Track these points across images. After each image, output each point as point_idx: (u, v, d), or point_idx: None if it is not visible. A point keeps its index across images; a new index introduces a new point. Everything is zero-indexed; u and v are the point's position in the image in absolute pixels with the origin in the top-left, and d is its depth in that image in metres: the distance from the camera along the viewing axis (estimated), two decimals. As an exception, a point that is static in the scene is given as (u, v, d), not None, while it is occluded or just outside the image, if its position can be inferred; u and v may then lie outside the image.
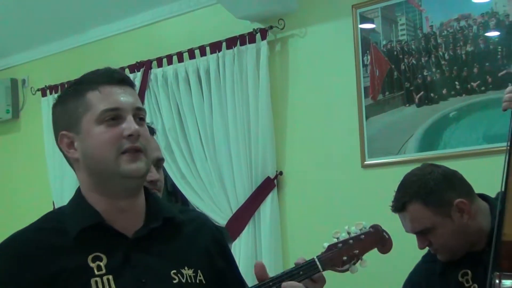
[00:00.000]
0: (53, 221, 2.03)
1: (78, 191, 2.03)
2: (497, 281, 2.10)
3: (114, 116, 1.91)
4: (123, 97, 1.96)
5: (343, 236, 2.21)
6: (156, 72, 5.78)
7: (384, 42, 4.70)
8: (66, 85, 6.06)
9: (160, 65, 5.73)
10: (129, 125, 1.91)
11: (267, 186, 5.12)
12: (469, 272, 2.63)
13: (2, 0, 6.24)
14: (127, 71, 5.78)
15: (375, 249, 2.31)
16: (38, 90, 6.58)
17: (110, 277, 1.89)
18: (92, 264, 1.89)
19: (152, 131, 2.60)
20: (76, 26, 6.36)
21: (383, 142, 4.70)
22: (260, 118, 5.19)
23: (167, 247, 2.04)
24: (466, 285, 2.63)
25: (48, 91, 6.50)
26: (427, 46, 4.52)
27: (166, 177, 4.80)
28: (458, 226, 2.67)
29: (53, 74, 6.52)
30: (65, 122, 1.93)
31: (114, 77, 1.99)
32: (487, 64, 4.29)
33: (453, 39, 4.40)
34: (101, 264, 1.91)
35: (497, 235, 2.20)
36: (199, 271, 2.02)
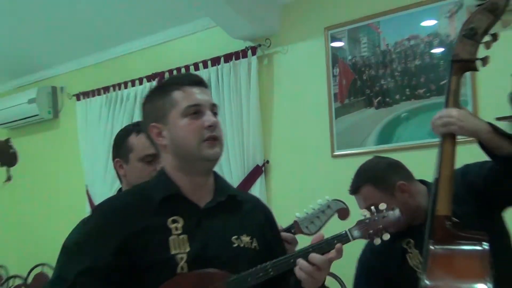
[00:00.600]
0: (141, 190, 2.16)
1: (162, 171, 2.13)
2: (431, 246, 2.17)
3: (196, 111, 2.03)
4: (201, 95, 2.07)
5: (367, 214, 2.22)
6: None
7: (349, 57, 4.81)
8: (95, 92, 6.52)
9: (171, 75, 5.73)
10: (209, 118, 2.04)
11: (256, 173, 5.24)
12: (411, 240, 2.71)
13: (43, 22, 6.30)
14: (144, 80, 5.98)
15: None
16: (73, 95, 6.70)
17: (185, 236, 1.99)
18: (171, 225, 1.99)
19: None
20: (104, 43, 6.42)
21: (348, 137, 4.84)
22: (251, 118, 5.28)
23: (230, 217, 2.13)
24: (409, 250, 2.71)
25: (81, 96, 6.59)
26: (384, 61, 4.63)
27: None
28: (400, 204, 2.64)
29: (85, 83, 6.63)
30: (153, 116, 2.05)
31: (193, 80, 2.12)
32: (431, 74, 4.44)
33: (405, 55, 4.53)
34: (179, 225, 2.01)
35: (431, 211, 2.27)
36: (254, 239, 2.11)
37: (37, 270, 6.69)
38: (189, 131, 2.02)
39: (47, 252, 6.80)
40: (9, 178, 7.37)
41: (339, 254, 1.97)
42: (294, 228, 2.43)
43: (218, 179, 2.20)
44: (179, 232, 1.98)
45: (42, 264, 6.68)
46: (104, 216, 2.07)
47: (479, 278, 2.05)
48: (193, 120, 2.02)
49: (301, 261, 1.95)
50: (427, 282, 2.07)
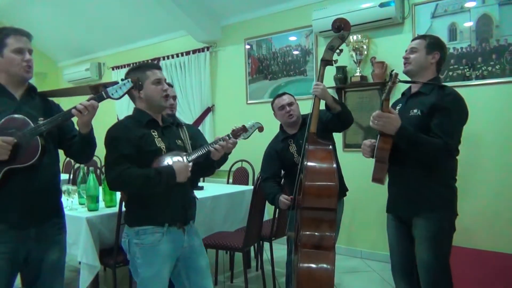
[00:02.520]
0: (133, 117, 2.12)
1: (140, 109, 2.10)
2: (307, 146, 2.27)
3: (158, 82, 2.07)
4: (161, 74, 2.10)
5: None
6: (163, 62, 6.00)
7: (256, 54, 5.20)
8: (123, 66, 6.55)
9: (164, 59, 6.03)
10: (164, 86, 2.10)
11: (207, 111, 5.66)
12: (292, 140, 2.77)
13: (94, 23, 6.35)
14: (149, 61, 6.01)
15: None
16: (110, 67, 6.91)
17: (160, 138, 2.05)
18: (153, 133, 2.05)
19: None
20: (126, 40, 6.56)
21: (254, 94, 5.25)
22: (205, 82, 5.62)
23: (174, 130, 2.18)
24: (290, 144, 2.76)
25: (114, 68, 6.81)
26: (273, 57, 5.03)
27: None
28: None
29: (117, 60, 6.79)
30: (137, 82, 1.97)
31: (156, 66, 2.15)
32: (296, 64, 4.77)
33: (283, 54, 4.94)
34: (155, 133, 2.06)
35: (308, 129, 2.35)
36: (189, 140, 2.23)
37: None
38: (155, 91, 2.08)
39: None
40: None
41: (233, 141, 2.11)
42: (231, 134, 2.24)
43: (175, 118, 2.38)
44: (156, 136, 2.05)
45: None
46: (120, 129, 2.04)
47: (330, 161, 2.19)
48: (156, 86, 2.08)
49: (217, 145, 2.08)
50: (307, 163, 2.17)
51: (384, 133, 1.98)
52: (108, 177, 1.96)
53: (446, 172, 2.10)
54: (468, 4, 3.71)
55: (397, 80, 1.89)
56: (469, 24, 3.70)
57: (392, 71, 1.84)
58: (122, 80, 1.92)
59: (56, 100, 2.14)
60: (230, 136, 2.15)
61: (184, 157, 2.01)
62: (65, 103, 2.02)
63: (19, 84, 1.93)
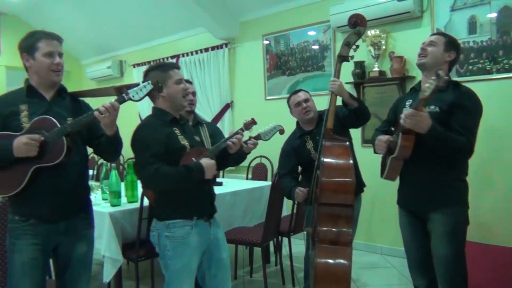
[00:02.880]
0: (156, 117, 2.16)
1: (163, 109, 2.14)
2: (324, 142, 2.28)
3: (180, 82, 2.14)
4: (182, 74, 2.18)
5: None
6: (182, 59, 6.10)
7: (274, 50, 5.19)
8: (144, 63, 6.57)
9: (183, 56, 6.10)
10: (185, 85, 2.18)
11: (226, 107, 5.69)
12: (308, 136, 2.77)
13: (115, 23, 6.50)
14: (169, 58, 6.17)
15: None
16: (131, 65, 7.01)
17: (182, 136, 2.13)
18: (176, 130, 2.13)
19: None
20: (147, 37, 6.63)
21: (273, 90, 5.24)
22: (224, 78, 5.64)
23: (197, 129, 2.37)
24: (307, 140, 2.76)
25: (136, 66, 6.86)
26: (291, 52, 5.00)
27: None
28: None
29: (138, 58, 6.88)
30: (159, 81, 2.02)
31: (177, 66, 2.22)
32: (314, 60, 4.76)
33: (301, 50, 4.90)
34: (178, 130, 2.14)
35: (324, 125, 2.36)
36: (209, 138, 2.41)
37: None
38: (178, 90, 2.15)
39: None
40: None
41: (238, 139, 2.18)
42: (256, 137, 2.38)
43: (195, 114, 2.49)
44: (179, 134, 2.13)
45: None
46: (149, 128, 2.11)
47: (347, 157, 2.18)
48: (179, 85, 2.16)
49: (234, 138, 2.17)
50: (323, 159, 2.17)
51: (407, 131, 1.97)
52: (143, 176, 2.03)
53: (462, 168, 2.14)
54: (489, -4, 3.61)
55: (446, 80, 1.77)
56: (490, 16, 3.64)
57: (438, 71, 1.78)
58: (142, 82, 1.97)
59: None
60: (243, 129, 2.25)
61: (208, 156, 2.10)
62: (94, 103, 2.07)
63: (50, 86, 2.01)
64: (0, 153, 1.85)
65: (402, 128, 1.98)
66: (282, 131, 2.46)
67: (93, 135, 2.08)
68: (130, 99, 1.91)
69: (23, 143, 1.82)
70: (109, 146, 2.04)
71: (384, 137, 2.21)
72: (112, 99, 1.94)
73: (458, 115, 2.02)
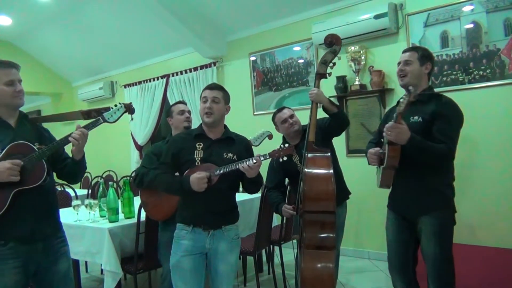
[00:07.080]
0: (187, 132, 2.33)
1: (199, 126, 2.27)
2: (307, 154, 2.37)
3: (205, 100, 2.21)
4: (207, 93, 2.22)
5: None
6: (172, 79, 6.14)
7: (260, 67, 5.28)
8: (134, 84, 6.51)
9: (173, 75, 6.13)
10: (207, 104, 2.20)
11: None
12: (294, 149, 2.52)
13: (105, 46, 6.53)
14: (159, 78, 6.20)
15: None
16: (122, 85, 7.02)
17: (202, 151, 2.17)
18: (197, 145, 2.19)
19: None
20: (137, 59, 6.67)
21: (260, 105, 5.32)
22: None
23: (225, 145, 2.22)
24: (293, 154, 2.73)
25: (127, 86, 6.89)
26: (277, 69, 5.11)
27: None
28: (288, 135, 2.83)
29: (129, 78, 6.90)
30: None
31: (209, 86, 2.29)
32: (299, 75, 4.87)
33: (286, 66, 5.02)
34: (201, 145, 2.18)
35: (306, 138, 2.42)
36: (235, 155, 2.19)
37: (106, 173, 6.79)
38: (202, 108, 2.24)
39: (113, 162, 6.95)
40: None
41: (258, 162, 2.08)
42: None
43: (225, 128, 2.30)
44: (200, 149, 2.19)
45: (109, 170, 6.87)
46: (171, 144, 2.27)
47: (327, 167, 2.28)
48: (203, 104, 2.24)
49: (244, 164, 2.08)
50: (306, 169, 2.27)
51: (392, 143, 2.06)
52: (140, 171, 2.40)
53: (448, 174, 2.22)
54: (458, 13, 3.83)
55: (416, 95, 1.95)
56: (460, 30, 3.82)
57: (409, 87, 1.95)
58: (116, 105, 2.05)
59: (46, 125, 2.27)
60: (267, 156, 2.13)
61: (214, 171, 2.12)
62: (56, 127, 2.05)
63: (12, 112, 2.01)
64: None
65: (386, 140, 2.08)
66: (270, 136, 2.68)
67: (57, 158, 2.10)
68: (106, 121, 1.99)
69: (6, 168, 1.83)
70: (75, 170, 2.08)
71: (374, 150, 2.28)
72: (78, 122, 2.00)
73: (439, 123, 2.10)
